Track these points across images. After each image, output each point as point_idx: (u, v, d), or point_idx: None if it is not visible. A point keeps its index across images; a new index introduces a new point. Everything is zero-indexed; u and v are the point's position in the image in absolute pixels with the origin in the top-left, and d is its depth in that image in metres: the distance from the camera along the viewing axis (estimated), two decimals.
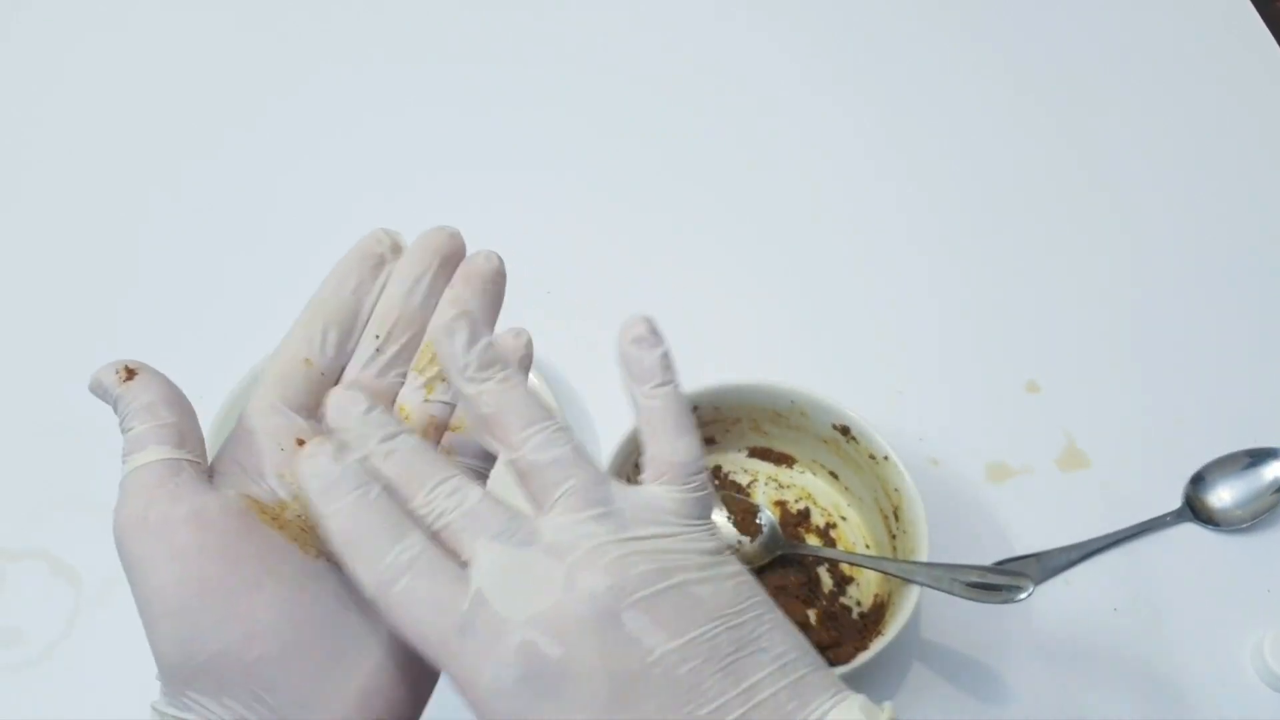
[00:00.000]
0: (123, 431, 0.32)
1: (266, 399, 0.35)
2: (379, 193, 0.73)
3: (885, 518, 0.55)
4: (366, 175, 0.74)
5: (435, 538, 0.30)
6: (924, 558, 0.51)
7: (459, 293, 0.36)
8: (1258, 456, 0.61)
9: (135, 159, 0.75)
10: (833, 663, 0.50)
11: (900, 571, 0.50)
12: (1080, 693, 0.54)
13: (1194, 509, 0.60)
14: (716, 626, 0.29)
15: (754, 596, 0.31)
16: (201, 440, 0.33)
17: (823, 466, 0.59)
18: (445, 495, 0.31)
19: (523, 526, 0.31)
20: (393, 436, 0.32)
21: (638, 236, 0.72)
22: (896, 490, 0.54)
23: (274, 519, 0.32)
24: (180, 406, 0.33)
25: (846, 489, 0.59)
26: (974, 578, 0.49)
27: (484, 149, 0.76)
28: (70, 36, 0.82)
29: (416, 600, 0.29)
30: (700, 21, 0.85)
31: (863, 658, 0.48)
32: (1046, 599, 0.56)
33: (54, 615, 0.54)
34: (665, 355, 0.34)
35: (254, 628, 0.30)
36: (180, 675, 0.30)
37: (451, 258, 0.37)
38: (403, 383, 0.36)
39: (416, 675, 0.32)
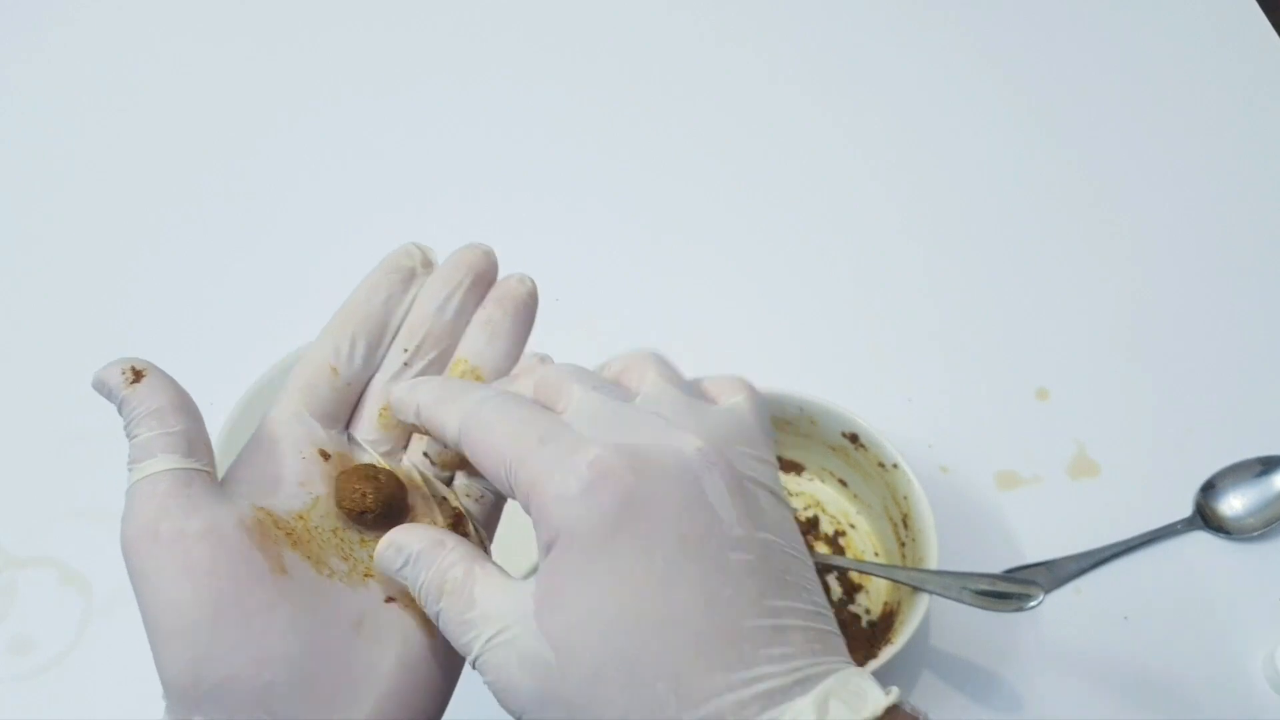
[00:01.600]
0: (128, 436, 0.31)
1: (290, 407, 0.34)
2: (387, 202, 0.73)
3: (894, 525, 0.55)
4: (376, 185, 0.75)
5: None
6: (933, 565, 0.50)
7: (491, 314, 0.37)
8: (1270, 464, 0.60)
9: (148, 168, 0.75)
10: None
11: (909, 579, 0.50)
12: (1091, 701, 0.54)
13: (1205, 517, 0.60)
14: (777, 541, 0.29)
15: (802, 545, 0.31)
16: (210, 448, 0.32)
17: (831, 474, 0.59)
18: (540, 365, 0.33)
19: (618, 389, 0.31)
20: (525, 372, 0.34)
21: (646, 245, 0.72)
22: (905, 498, 0.54)
23: (289, 534, 0.32)
24: (189, 413, 0.32)
25: (855, 496, 0.59)
26: (984, 586, 0.49)
27: (492, 158, 0.76)
28: (86, 50, 0.82)
29: (504, 419, 0.29)
30: (706, 32, 0.85)
31: (872, 666, 0.48)
32: (1057, 607, 0.56)
33: (64, 624, 0.54)
34: None
35: (266, 652, 0.29)
36: (188, 698, 0.29)
37: (484, 276, 0.37)
38: None
39: (426, 703, 0.31)
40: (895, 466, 0.54)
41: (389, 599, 0.32)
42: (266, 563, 0.30)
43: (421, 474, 0.35)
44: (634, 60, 0.83)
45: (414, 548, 0.30)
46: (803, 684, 0.27)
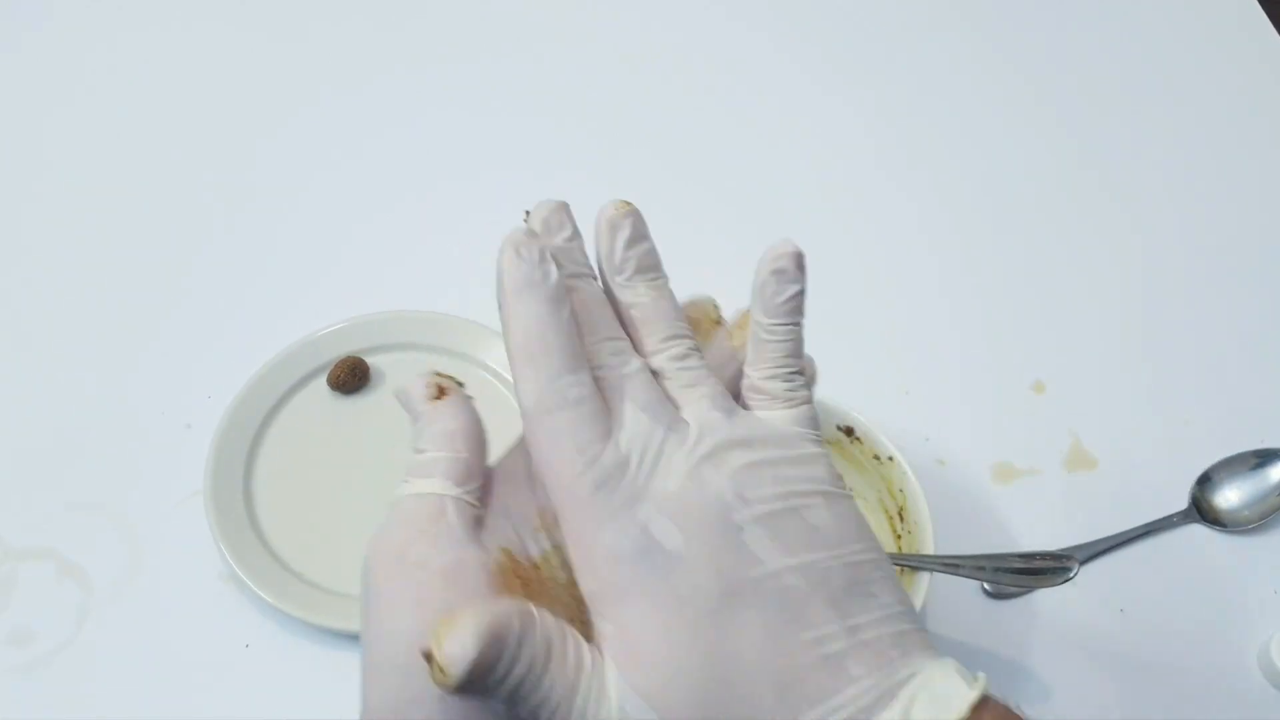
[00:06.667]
0: (414, 450, 0.31)
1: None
2: (388, 197, 0.73)
3: (890, 518, 0.55)
4: (376, 180, 0.74)
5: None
6: None
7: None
8: (1265, 457, 0.61)
9: (146, 165, 0.75)
10: None
11: (941, 567, 0.49)
12: (1087, 693, 0.54)
13: (1201, 510, 0.60)
14: (830, 558, 0.29)
15: (868, 540, 0.31)
16: (482, 480, 0.32)
17: None
18: (609, 352, 0.32)
19: (668, 408, 0.31)
20: (579, 276, 0.33)
21: None
22: (901, 490, 0.54)
23: (525, 584, 0.30)
24: (477, 441, 0.32)
25: (851, 489, 0.58)
26: (1017, 564, 0.49)
27: (493, 152, 0.76)
28: (98, 45, 0.82)
29: (567, 437, 0.29)
30: (709, 25, 0.85)
31: None
32: (1053, 599, 0.56)
33: (63, 616, 0.54)
34: (799, 294, 0.34)
35: (479, 712, 0.28)
36: None
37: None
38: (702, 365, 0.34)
39: None
40: (891, 459, 0.54)
41: None
42: None
43: None
44: (643, 52, 0.83)
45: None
46: (884, 698, 0.28)
